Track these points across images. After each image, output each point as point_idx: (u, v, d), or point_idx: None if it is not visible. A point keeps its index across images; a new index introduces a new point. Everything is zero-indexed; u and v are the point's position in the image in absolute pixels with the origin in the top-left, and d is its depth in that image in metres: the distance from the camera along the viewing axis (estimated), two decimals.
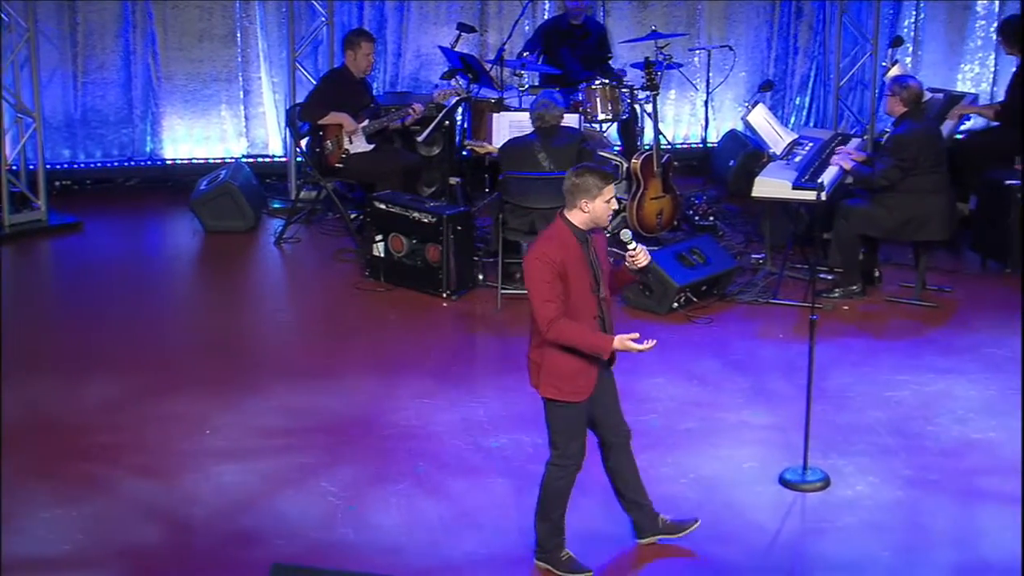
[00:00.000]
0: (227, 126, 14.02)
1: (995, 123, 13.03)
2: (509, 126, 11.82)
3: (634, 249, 7.14)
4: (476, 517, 8.04)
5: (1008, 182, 11.57)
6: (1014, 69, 12.85)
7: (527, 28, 14.04)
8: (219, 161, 13.82)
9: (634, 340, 7.02)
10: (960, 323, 10.82)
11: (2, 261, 11.81)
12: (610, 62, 13.53)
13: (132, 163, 13.96)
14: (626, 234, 7.20)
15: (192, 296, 11.77)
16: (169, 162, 13.99)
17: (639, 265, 7.17)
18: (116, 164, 13.92)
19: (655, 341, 7.10)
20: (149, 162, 13.99)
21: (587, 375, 7.21)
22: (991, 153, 12.50)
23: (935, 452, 8.80)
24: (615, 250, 7.87)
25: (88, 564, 7.54)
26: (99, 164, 13.85)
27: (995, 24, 14.29)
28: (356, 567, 7.45)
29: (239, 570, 7.53)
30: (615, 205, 7.19)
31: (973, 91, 14.19)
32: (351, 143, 12.14)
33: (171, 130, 13.90)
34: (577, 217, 7.16)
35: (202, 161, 13.95)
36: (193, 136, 13.95)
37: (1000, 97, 13.59)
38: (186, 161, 13.99)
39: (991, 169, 11.99)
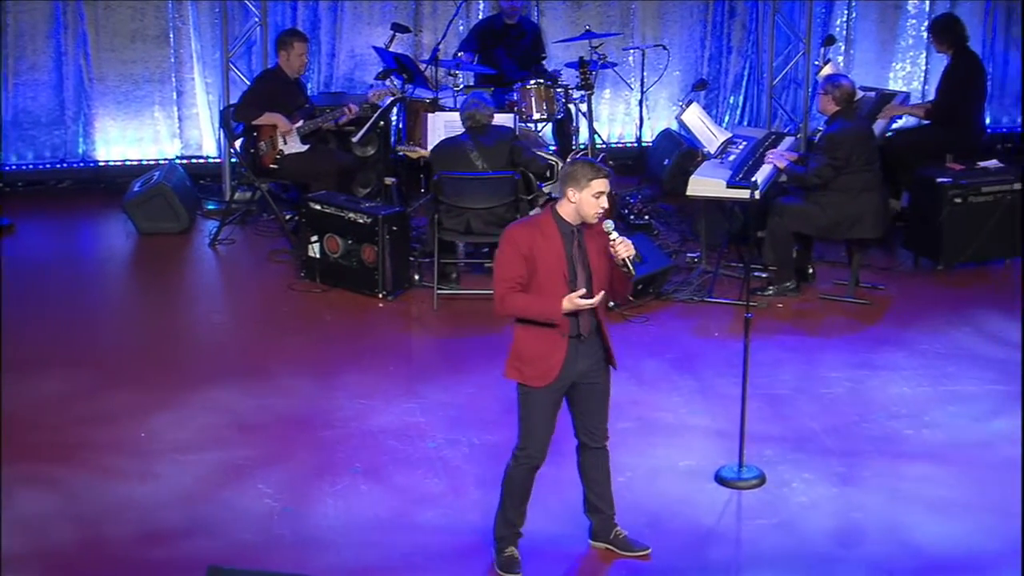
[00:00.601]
0: (160, 127, 13.93)
1: (926, 122, 13.12)
2: (444, 126, 11.80)
3: (614, 239, 7.11)
4: (413, 517, 8.03)
5: (940, 180, 11.65)
6: (945, 67, 12.96)
7: (461, 28, 14.03)
8: (152, 162, 13.73)
9: (581, 296, 7.01)
10: (893, 320, 10.89)
11: None
12: (544, 62, 13.56)
13: (64, 165, 13.85)
14: (608, 224, 7.16)
15: (126, 298, 11.69)
16: (102, 164, 13.88)
17: (620, 256, 7.10)
18: (48, 166, 13.81)
19: (603, 293, 7.11)
20: (81, 164, 13.88)
21: (549, 360, 7.18)
22: (923, 151, 12.60)
23: (869, 448, 8.86)
24: None
25: (17, 566, 7.47)
26: (31, 166, 13.73)
27: (926, 23, 14.39)
28: (293, 568, 7.43)
29: (173, 572, 7.49)
30: (605, 203, 7.11)
31: (905, 89, 14.29)
32: (286, 144, 12.10)
33: (104, 131, 13.80)
34: (564, 208, 7.12)
35: (135, 162, 13.85)
36: (126, 137, 13.86)
37: (931, 95, 13.69)
38: (119, 163, 13.89)
39: (923, 167, 12.08)
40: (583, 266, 7.15)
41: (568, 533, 7.82)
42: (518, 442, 7.37)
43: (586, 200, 7.06)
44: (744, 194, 10.68)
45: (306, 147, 12.20)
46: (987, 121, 14.20)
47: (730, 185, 11.04)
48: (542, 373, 7.20)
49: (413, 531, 7.89)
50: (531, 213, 11.29)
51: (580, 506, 7.76)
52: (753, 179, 10.88)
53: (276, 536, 7.82)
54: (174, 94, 13.88)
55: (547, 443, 7.36)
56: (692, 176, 11.31)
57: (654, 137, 14.34)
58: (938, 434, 9.05)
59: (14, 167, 13.70)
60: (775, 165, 11.24)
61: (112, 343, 10.46)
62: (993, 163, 12.07)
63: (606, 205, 7.13)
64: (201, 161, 14.05)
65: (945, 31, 12.87)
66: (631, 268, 7.15)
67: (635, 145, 14.14)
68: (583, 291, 7.05)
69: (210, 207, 13.37)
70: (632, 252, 7.12)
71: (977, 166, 11.93)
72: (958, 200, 11.57)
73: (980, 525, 7.97)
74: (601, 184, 7.05)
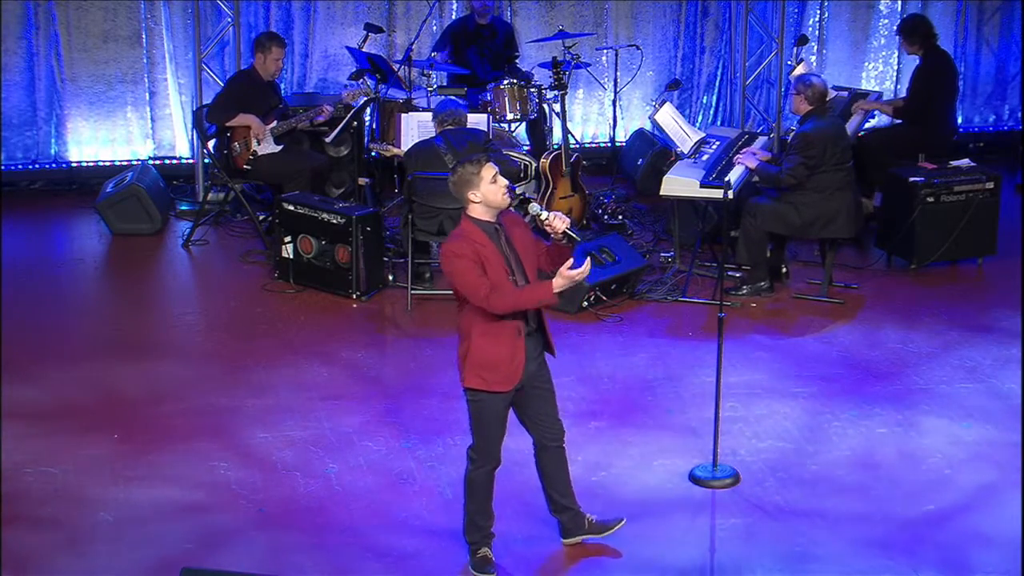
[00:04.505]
0: (133, 128, 13.89)
1: (899, 121, 13.16)
2: (418, 126, 11.80)
3: (545, 218, 7.11)
4: (388, 517, 8.03)
5: (912, 179, 11.68)
6: (916, 66, 13.00)
7: (435, 28, 14.03)
8: (125, 163, 13.69)
9: (570, 268, 6.99)
10: (866, 319, 10.92)
11: None
12: (517, 61, 13.57)
13: (36, 166, 13.80)
14: (534, 207, 7.20)
15: (99, 299, 11.64)
16: (74, 164, 13.84)
17: (559, 230, 7.10)
18: (20, 167, 13.75)
19: (589, 260, 7.09)
20: (54, 165, 13.83)
21: (511, 363, 7.21)
22: (895, 151, 12.64)
23: (842, 448, 8.88)
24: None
25: None
26: (3, 167, 13.66)
27: (898, 23, 14.42)
28: (266, 570, 7.43)
29: (147, 573, 7.48)
30: (504, 181, 7.15)
31: (877, 89, 14.33)
32: (259, 144, 12.08)
33: (76, 132, 13.75)
34: (475, 211, 7.17)
35: (108, 163, 13.81)
36: (99, 138, 13.81)
37: (903, 95, 13.71)
38: (91, 163, 13.85)
39: (895, 166, 12.11)
40: (515, 259, 7.20)
41: (541, 533, 7.82)
42: (474, 448, 7.42)
43: (488, 190, 7.11)
44: (717, 194, 10.70)
45: (280, 147, 12.19)
46: (959, 120, 14.27)
47: (703, 185, 11.06)
48: (506, 377, 7.22)
49: (387, 531, 7.89)
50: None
51: (542, 505, 7.78)
52: (726, 179, 10.89)
53: (250, 537, 7.82)
54: (147, 95, 13.85)
55: (501, 444, 7.42)
56: (665, 176, 11.32)
57: (627, 137, 14.36)
58: (911, 433, 9.08)
59: None
60: (746, 166, 11.26)
61: (83, 344, 10.42)
62: (965, 162, 12.11)
63: (506, 182, 7.18)
64: (174, 162, 14.01)
65: (913, 32, 12.92)
66: (574, 236, 7.16)
67: (608, 145, 14.15)
68: (570, 261, 7.02)
69: (183, 208, 13.35)
70: (568, 223, 7.13)
71: (949, 165, 11.97)
72: (930, 199, 11.61)
73: (959, 524, 8.02)
74: (489, 170, 7.12)
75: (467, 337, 7.24)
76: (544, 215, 7.13)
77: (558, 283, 6.99)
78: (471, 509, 7.51)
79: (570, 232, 7.15)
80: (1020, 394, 9.53)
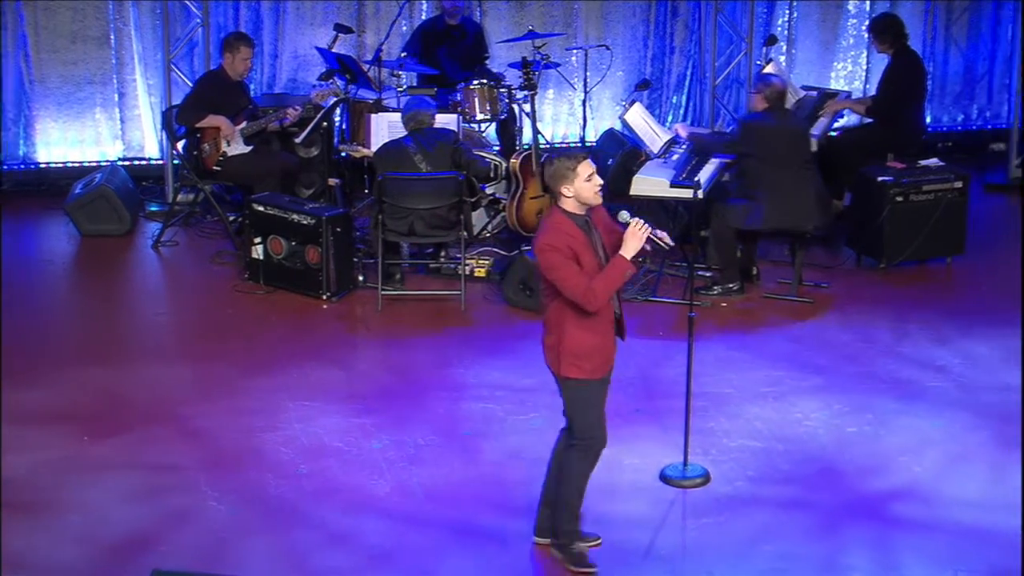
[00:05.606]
0: (102, 129, 13.84)
1: (868, 121, 13.20)
2: (388, 127, 11.79)
3: (637, 227, 7.19)
4: (359, 517, 8.02)
5: (881, 179, 11.72)
6: (885, 66, 13.05)
7: (404, 28, 14.02)
8: (94, 164, 13.65)
9: (630, 228, 7.16)
10: (836, 318, 10.95)
11: None
12: (487, 62, 13.57)
13: (4, 167, 13.73)
14: (624, 215, 7.28)
15: (68, 300, 11.61)
16: (43, 165, 13.79)
17: (647, 237, 7.21)
18: None
19: (636, 219, 7.20)
20: (22, 166, 13.77)
21: (606, 350, 7.33)
22: (865, 150, 12.67)
23: (812, 447, 8.90)
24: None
25: None
26: None
27: (867, 23, 14.47)
28: (236, 570, 7.42)
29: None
30: (599, 179, 7.20)
31: (846, 89, 14.38)
32: (229, 145, 12.06)
33: (44, 133, 13.70)
34: (567, 204, 7.22)
35: (77, 164, 13.76)
36: (67, 139, 13.76)
37: (872, 94, 13.76)
38: (60, 165, 13.80)
39: (865, 166, 12.15)
40: (603, 249, 7.29)
41: (512, 529, 7.83)
42: (578, 436, 7.44)
43: (582, 187, 7.16)
44: (687, 193, 10.69)
45: (249, 148, 12.17)
46: (927, 120, 14.32)
47: (673, 184, 11.07)
48: (601, 364, 7.33)
49: (359, 531, 7.88)
50: (474, 214, 11.29)
51: (513, 504, 7.77)
52: (696, 178, 10.92)
53: (220, 538, 7.80)
54: (116, 95, 13.80)
55: (605, 424, 7.48)
56: (635, 176, 11.33)
57: (598, 137, 14.36)
58: (881, 432, 9.11)
59: None
60: (678, 132, 11.44)
61: (53, 347, 10.38)
62: (934, 162, 12.17)
63: (600, 180, 7.23)
64: (143, 163, 13.97)
65: (885, 31, 12.96)
66: (662, 244, 7.33)
67: (579, 145, 14.16)
68: (636, 220, 7.17)
69: (153, 209, 13.31)
70: (649, 228, 7.23)
71: (918, 165, 12.02)
72: (899, 199, 11.65)
73: (930, 522, 8.05)
74: (586, 167, 7.16)
75: (558, 327, 7.29)
76: (634, 222, 7.20)
77: (628, 249, 7.15)
78: (573, 499, 7.51)
79: (657, 239, 7.29)
80: (1020, 393, 9.53)
